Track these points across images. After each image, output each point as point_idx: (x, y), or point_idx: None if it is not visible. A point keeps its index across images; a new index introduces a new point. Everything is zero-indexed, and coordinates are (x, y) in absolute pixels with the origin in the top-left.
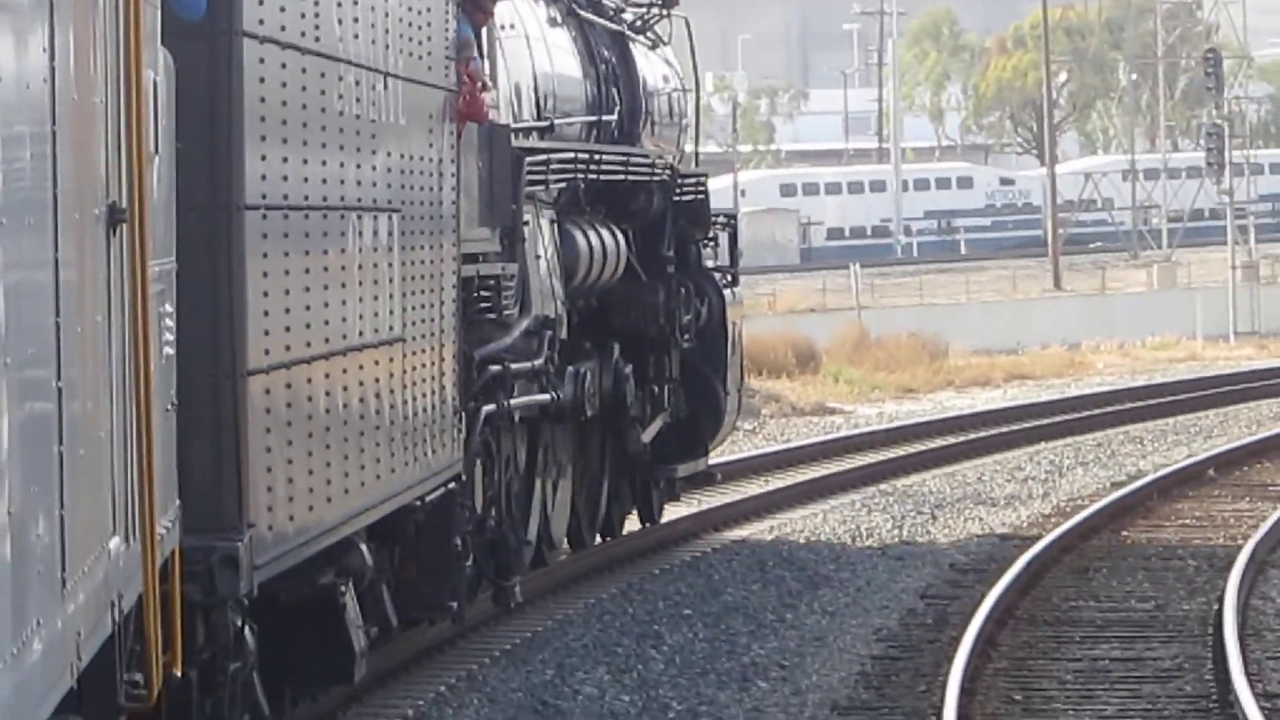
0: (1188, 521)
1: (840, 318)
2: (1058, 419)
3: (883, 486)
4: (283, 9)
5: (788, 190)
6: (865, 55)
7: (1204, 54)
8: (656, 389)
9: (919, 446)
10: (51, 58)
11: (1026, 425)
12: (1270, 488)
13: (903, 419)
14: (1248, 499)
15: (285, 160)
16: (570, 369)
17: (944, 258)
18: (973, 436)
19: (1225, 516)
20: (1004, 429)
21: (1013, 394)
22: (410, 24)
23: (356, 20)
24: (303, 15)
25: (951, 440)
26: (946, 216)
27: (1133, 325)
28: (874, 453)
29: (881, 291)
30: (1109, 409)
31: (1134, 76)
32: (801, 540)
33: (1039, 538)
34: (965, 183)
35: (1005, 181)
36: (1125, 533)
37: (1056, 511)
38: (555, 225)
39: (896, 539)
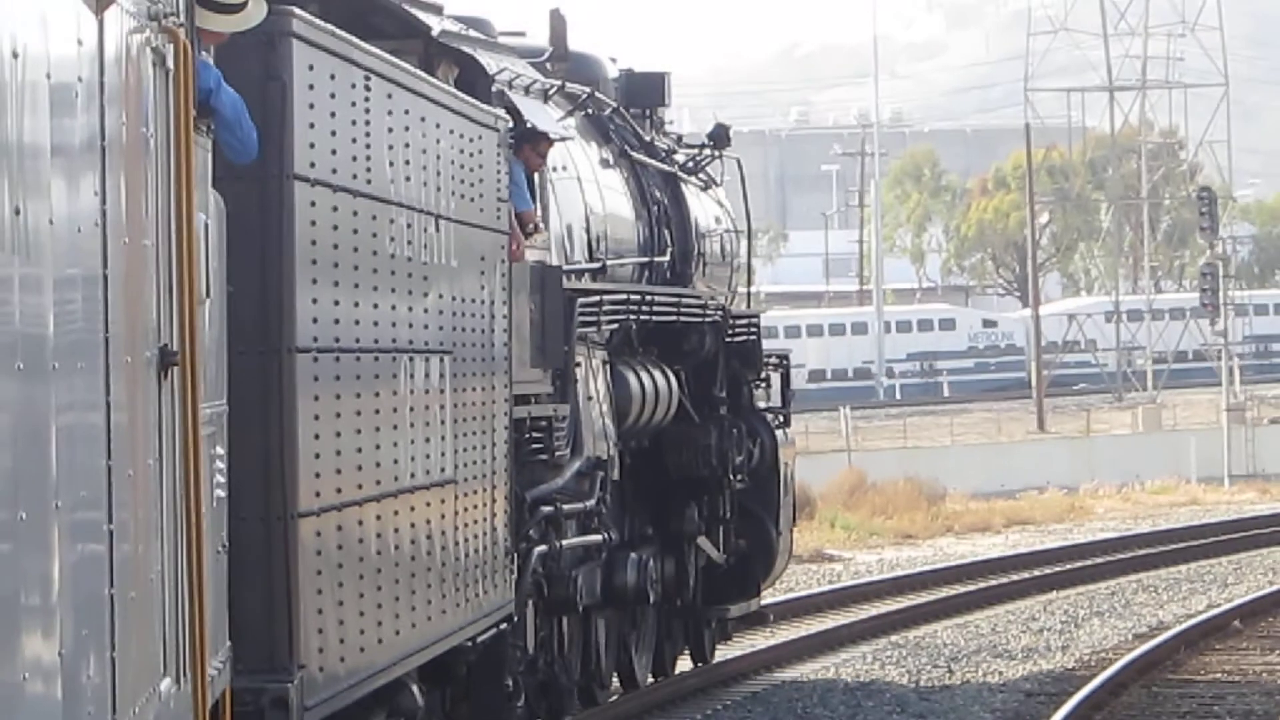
0: (1219, 676)
1: (827, 461)
2: (1067, 566)
3: (894, 638)
4: (334, 151)
5: (769, 332)
6: (845, 196)
7: (1198, 193)
8: (709, 531)
9: (926, 596)
10: (103, 200)
11: (1035, 573)
12: None
13: (905, 566)
14: (1277, 652)
15: (337, 303)
16: (633, 556)
17: (927, 400)
18: (981, 585)
19: (1257, 670)
20: (1013, 577)
21: (1014, 540)
22: (462, 166)
23: (408, 163)
24: (354, 158)
25: (959, 589)
26: (929, 358)
27: (1120, 468)
28: (881, 602)
29: (865, 434)
30: (1118, 556)
31: (1117, 217)
32: (815, 698)
33: (1068, 694)
34: (948, 324)
35: (988, 323)
36: (1156, 688)
37: (1081, 665)
38: (607, 366)
39: (914, 695)
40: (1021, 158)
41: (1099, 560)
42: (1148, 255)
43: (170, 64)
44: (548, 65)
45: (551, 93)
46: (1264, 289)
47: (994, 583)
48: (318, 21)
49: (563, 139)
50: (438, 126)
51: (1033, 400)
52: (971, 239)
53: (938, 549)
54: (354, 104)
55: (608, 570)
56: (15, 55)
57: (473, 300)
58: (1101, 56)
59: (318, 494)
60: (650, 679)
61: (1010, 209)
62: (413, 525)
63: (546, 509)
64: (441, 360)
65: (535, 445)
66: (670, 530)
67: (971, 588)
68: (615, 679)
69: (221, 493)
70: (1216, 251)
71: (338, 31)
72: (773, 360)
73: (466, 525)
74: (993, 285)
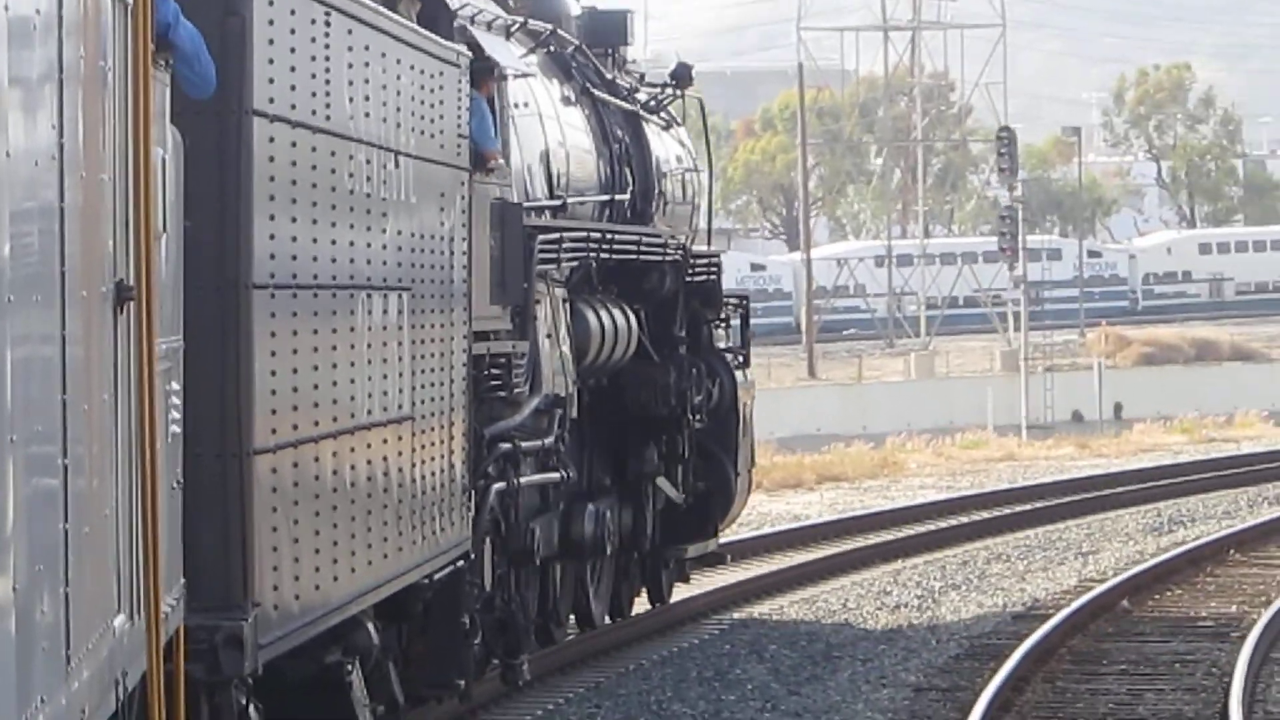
0: (1125, 667)
1: None
2: (909, 533)
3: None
4: (293, 87)
5: None
6: None
7: (998, 133)
8: (667, 470)
9: (762, 568)
10: (60, 134)
11: (874, 540)
12: (1202, 623)
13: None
14: (1181, 638)
15: (294, 239)
16: (590, 507)
17: None
18: (822, 554)
19: (1168, 661)
20: (853, 543)
21: (831, 499)
22: (423, 102)
23: (368, 99)
24: (313, 94)
25: (795, 558)
26: None
27: (892, 415)
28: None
29: None
30: (955, 521)
31: (887, 161)
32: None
33: (962, 690)
34: None
35: (756, 267)
36: (1061, 683)
37: (966, 654)
38: (567, 304)
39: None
40: (790, 99)
41: (938, 525)
42: (920, 199)
43: None
44: (510, 1)
45: (514, 29)
46: (1033, 234)
47: (834, 551)
48: None
49: (522, 75)
50: (398, 62)
51: (803, 346)
52: (737, 181)
53: (752, 509)
54: (314, 40)
55: (565, 522)
56: None
57: (432, 236)
58: None
59: (274, 430)
60: (607, 619)
61: (777, 151)
62: (369, 462)
63: (505, 446)
64: (400, 296)
65: (494, 382)
66: (629, 471)
67: (809, 556)
68: (572, 619)
69: (176, 429)
70: (1017, 195)
71: None
72: (732, 301)
73: (424, 462)
74: (758, 229)
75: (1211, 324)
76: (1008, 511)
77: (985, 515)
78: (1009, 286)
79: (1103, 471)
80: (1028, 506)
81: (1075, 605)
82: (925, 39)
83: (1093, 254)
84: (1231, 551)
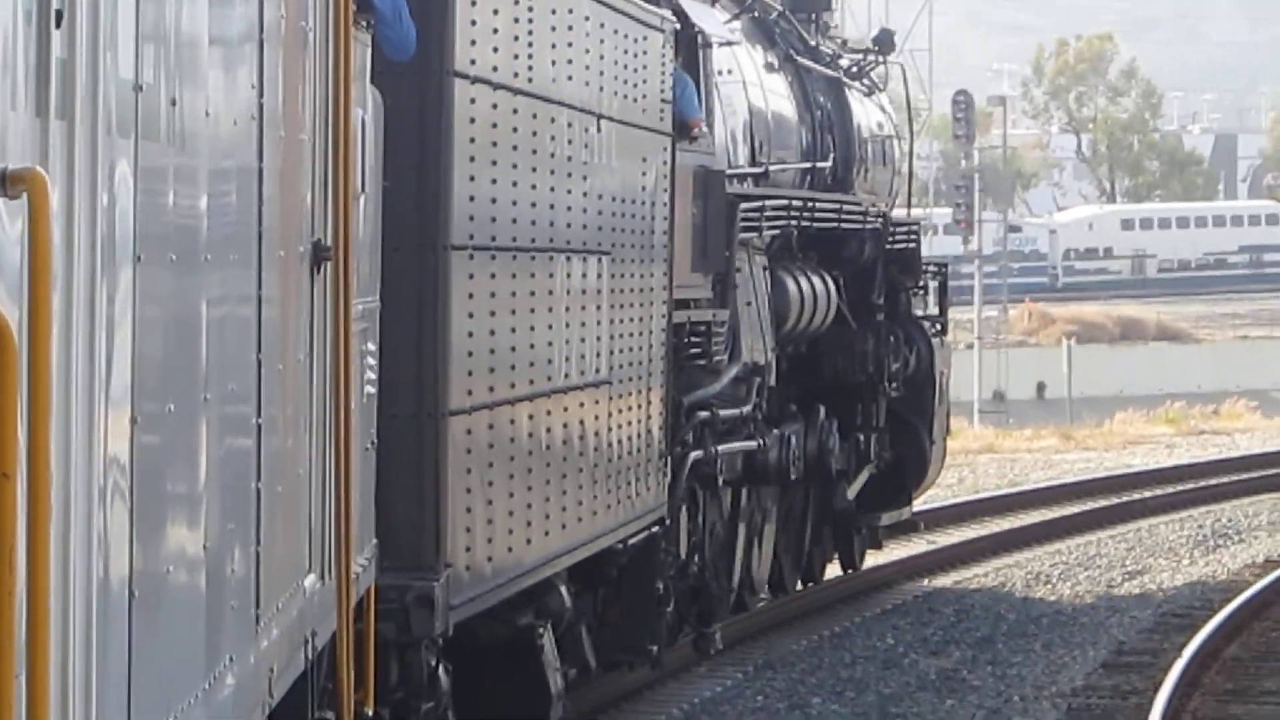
0: None
1: None
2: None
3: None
4: (495, 49)
5: None
6: None
7: (954, 96)
8: (863, 438)
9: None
10: (260, 94)
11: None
12: None
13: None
14: None
15: (494, 201)
16: (775, 432)
17: None
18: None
19: None
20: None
21: None
22: (626, 66)
23: (570, 62)
24: (515, 56)
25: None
26: None
27: None
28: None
29: None
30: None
31: None
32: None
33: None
34: None
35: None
36: None
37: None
38: (767, 272)
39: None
40: None
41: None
42: None
43: None
44: None
45: None
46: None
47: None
48: None
49: (728, 43)
50: (601, 26)
51: None
52: None
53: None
54: (516, 2)
55: (749, 450)
56: None
57: (633, 201)
58: None
59: (470, 392)
60: (800, 585)
61: None
62: (565, 426)
63: (702, 414)
64: (600, 260)
65: (693, 350)
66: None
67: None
68: (766, 586)
69: (372, 389)
70: (973, 163)
71: None
72: (931, 268)
73: (620, 427)
74: None
75: (1137, 302)
76: (1035, 520)
77: (1008, 525)
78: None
79: (1109, 471)
80: (1054, 513)
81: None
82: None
83: (1012, 228)
84: None
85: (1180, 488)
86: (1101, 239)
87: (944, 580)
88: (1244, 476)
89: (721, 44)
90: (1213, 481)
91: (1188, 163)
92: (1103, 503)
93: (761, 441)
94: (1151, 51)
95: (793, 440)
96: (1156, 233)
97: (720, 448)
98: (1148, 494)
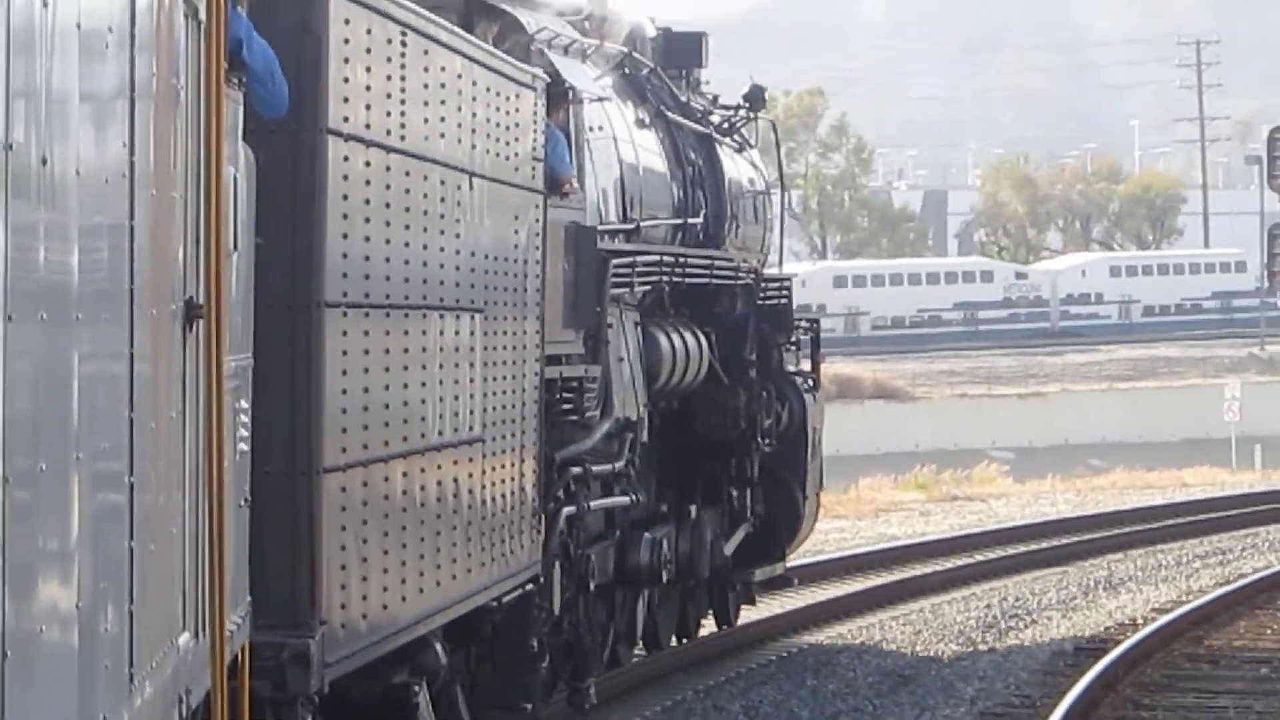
0: None
1: None
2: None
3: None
4: (368, 107)
5: None
6: None
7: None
8: (737, 494)
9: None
10: (131, 151)
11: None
12: None
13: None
14: None
15: (367, 258)
16: (647, 535)
17: None
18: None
19: None
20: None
21: None
22: (498, 124)
23: (443, 120)
24: (388, 114)
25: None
26: None
27: None
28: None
29: None
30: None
31: None
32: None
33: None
34: None
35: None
36: None
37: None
38: (639, 327)
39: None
40: None
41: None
42: None
43: (203, 15)
44: (586, 24)
45: (589, 52)
46: None
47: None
48: None
49: (599, 99)
50: (474, 84)
51: None
52: None
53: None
54: (389, 59)
55: (620, 549)
56: (45, 4)
57: (505, 259)
58: None
59: (344, 449)
60: (675, 641)
61: None
62: (439, 483)
63: (575, 470)
64: (473, 318)
65: (565, 405)
66: (696, 496)
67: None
68: (639, 644)
69: (245, 446)
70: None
71: None
72: (803, 324)
73: (494, 484)
74: None
75: (851, 360)
76: (843, 593)
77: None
78: None
79: (872, 544)
80: (829, 592)
81: None
82: None
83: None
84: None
85: (958, 563)
86: (814, 296)
87: (818, 634)
88: (1017, 550)
89: (592, 100)
90: (990, 556)
91: (900, 219)
92: (876, 580)
93: (634, 497)
94: (855, 108)
95: (664, 544)
96: (869, 290)
97: (592, 503)
98: (922, 570)
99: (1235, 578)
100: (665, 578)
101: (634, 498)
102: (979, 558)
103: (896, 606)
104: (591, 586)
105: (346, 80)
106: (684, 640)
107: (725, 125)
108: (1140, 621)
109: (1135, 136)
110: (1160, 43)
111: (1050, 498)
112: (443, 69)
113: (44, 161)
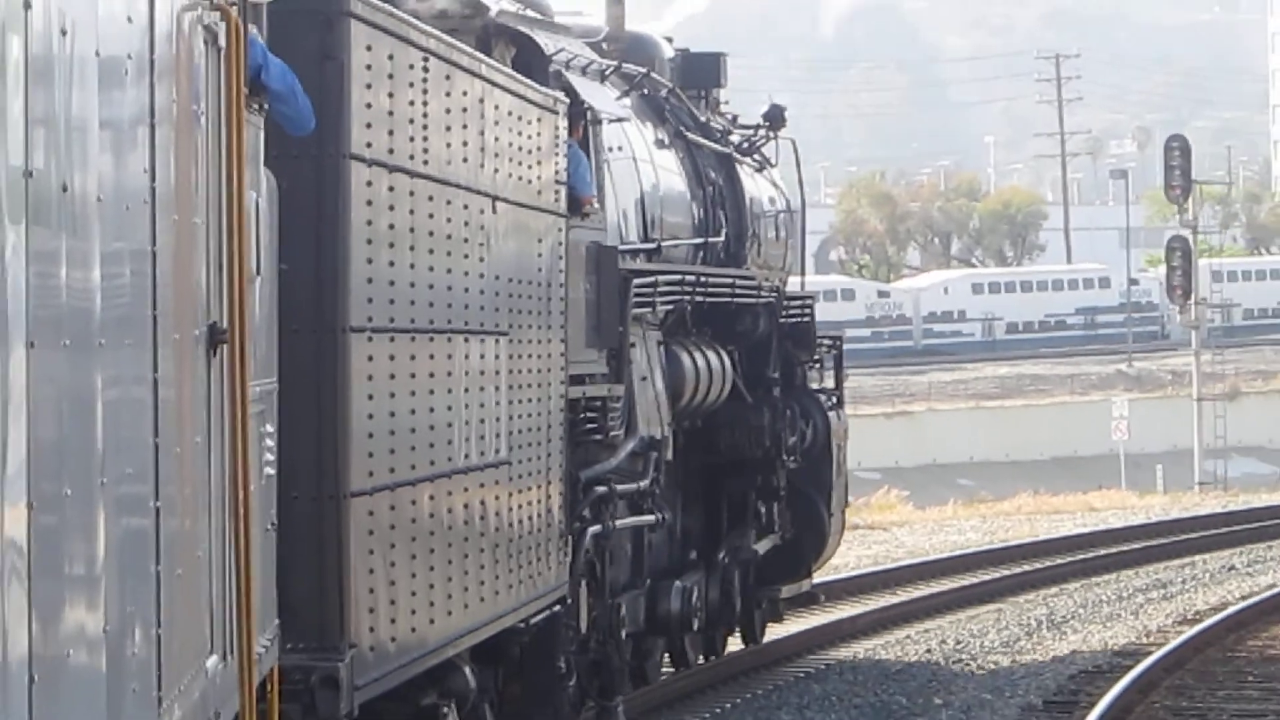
0: None
1: None
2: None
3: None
4: (391, 132)
5: None
6: None
7: None
8: (764, 509)
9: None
10: (152, 178)
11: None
12: None
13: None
14: None
15: (392, 283)
16: (677, 584)
17: None
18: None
19: None
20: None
21: None
22: (520, 147)
23: (466, 144)
24: (411, 139)
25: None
26: None
27: None
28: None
29: None
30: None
31: None
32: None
33: None
34: None
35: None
36: None
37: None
38: (662, 347)
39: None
40: None
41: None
42: None
43: (222, 41)
44: (604, 45)
45: (608, 73)
46: None
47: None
48: (376, 1)
49: (617, 119)
50: (496, 108)
51: None
52: None
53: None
54: (411, 84)
55: (651, 598)
56: (64, 32)
57: (529, 281)
58: None
59: (371, 473)
60: (701, 659)
61: None
62: (466, 506)
63: (600, 489)
64: (497, 341)
65: (590, 425)
66: (724, 543)
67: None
68: (667, 659)
69: (270, 470)
70: None
71: (396, 11)
72: (826, 341)
73: (520, 506)
74: None
75: None
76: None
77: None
78: None
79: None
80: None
81: None
82: None
83: None
84: None
85: (885, 602)
86: None
87: (845, 650)
88: (944, 587)
89: (612, 120)
90: (917, 593)
91: None
92: (797, 626)
93: (660, 516)
94: None
95: (694, 591)
96: None
97: (618, 522)
98: (850, 611)
99: (1191, 614)
100: (696, 626)
101: (660, 516)
102: (903, 595)
103: (827, 652)
104: (623, 636)
105: (369, 106)
106: (711, 658)
107: (745, 145)
108: (1106, 669)
109: (990, 153)
110: (1009, 60)
111: (956, 525)
112: (464, 93)
113: (65, 188)
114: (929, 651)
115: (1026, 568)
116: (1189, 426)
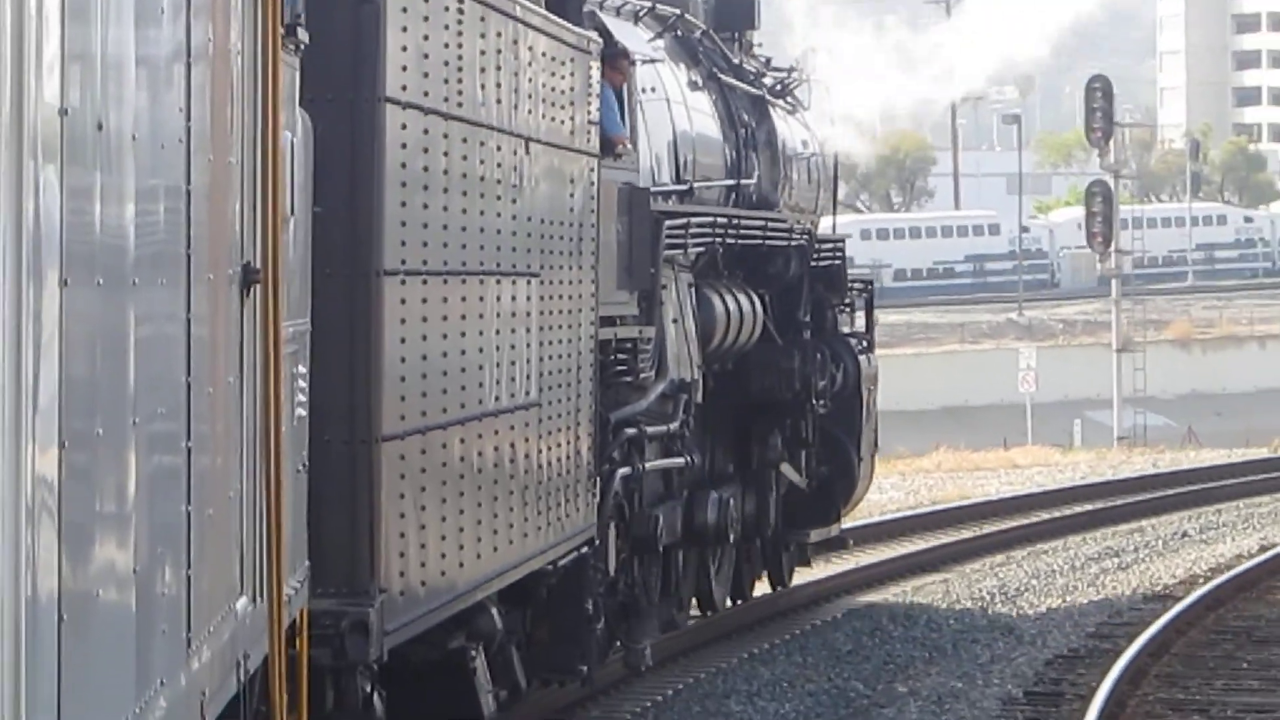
0: None
1: None
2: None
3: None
4: (426, 75)
5: None
6: None
7: None
8: (793, 454)
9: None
10: (188, 116)
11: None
12: None
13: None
14: None
15: (425, 226)
16: (714, 495)
17: None
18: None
19: None
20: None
21: None
22: (553, 88)
23: (500, 85)
24: (445, 81)
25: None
26: None
27: None
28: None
29: None
30: None
31: None
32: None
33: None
34: None
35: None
36: None
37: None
38: (693, 289)
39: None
40: None
41: None
42: None
43: None
44: None
45: (642, 14)
46: None
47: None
48: None
49: (650, 60)
50: (530, 49)
51: None
52: None
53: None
54: (446, 27)
55: (688, 509)
56: None
57: (561, 223)
58: None
59: (402, 417)
60: (729, 603)
61: None
62: (497, 449)
63: (630, 431)
64: (529, 282)
65: (620, 367)
66: (753, 458)
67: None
68: (694, 602)
69: (303, 411)
70: None
71: None
72: (857, 285)
73: (550, 449)
74: None
75: None
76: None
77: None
78: None
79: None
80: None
81: None
82: None
83: None
84: None
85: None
86: None
87: (874, 597)
88: (887, 555)
89: (645, 62)
90: (861, 561)
91: None
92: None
93: (689, 458)
94: None
95: (731, 503)
96: None
97: (647, 464)
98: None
99: (1157, 589)
100: (733, 537)
101: (689, 458)
102: (838, 565)
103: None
104: (660, 547)
105: (404, 48)
106: (739, 601)
107: (778, 87)
108: (1083, 653)
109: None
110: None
111: (875, 482)
112: (498, 34)
113: (100, 126)
114: (877, 630)
115: (967, 534)
116: (1084, 377)
